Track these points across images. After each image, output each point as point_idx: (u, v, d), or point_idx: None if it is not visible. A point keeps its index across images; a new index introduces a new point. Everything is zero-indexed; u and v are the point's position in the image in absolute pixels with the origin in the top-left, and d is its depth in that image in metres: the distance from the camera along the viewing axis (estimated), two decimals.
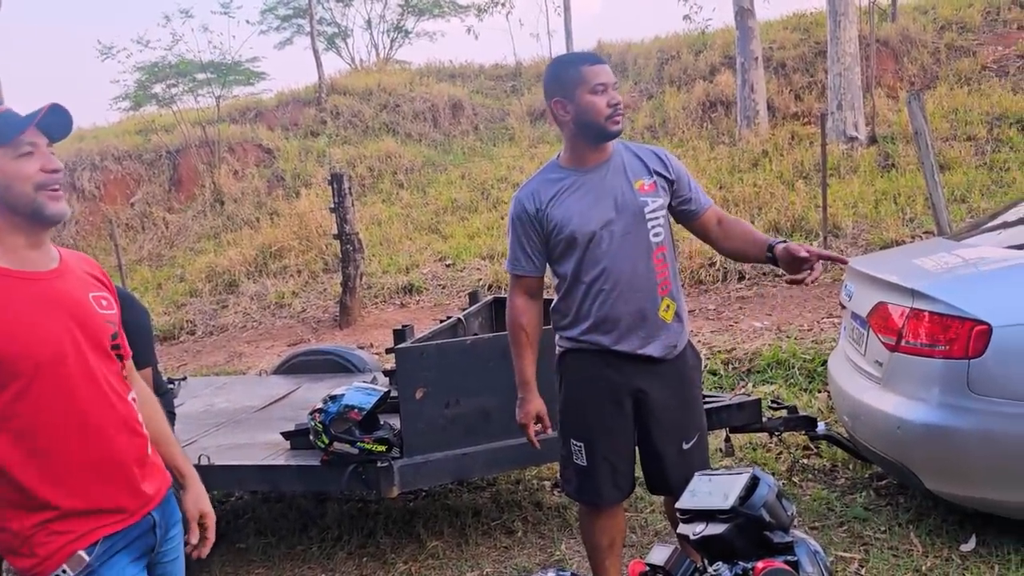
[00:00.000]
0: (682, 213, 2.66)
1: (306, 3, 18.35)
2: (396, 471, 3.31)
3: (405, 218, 11.86)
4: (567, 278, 2.56)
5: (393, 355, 3.69)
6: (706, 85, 13.55)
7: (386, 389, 3.59)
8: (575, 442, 2.63)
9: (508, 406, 2.74)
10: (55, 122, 1.71)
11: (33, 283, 1.68)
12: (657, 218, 2.53)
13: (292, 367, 5.40)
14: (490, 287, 8.64)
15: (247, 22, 23.24)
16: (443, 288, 9.34)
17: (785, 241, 2.53)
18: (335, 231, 8.68)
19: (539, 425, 2.66)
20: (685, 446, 2.62)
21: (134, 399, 1.85)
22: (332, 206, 8.56)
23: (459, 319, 4.33)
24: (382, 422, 3.46)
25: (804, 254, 2.39)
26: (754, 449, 4.35)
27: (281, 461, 3.62)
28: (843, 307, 3.87)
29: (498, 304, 4.59)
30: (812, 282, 2.40)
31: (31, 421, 1.64)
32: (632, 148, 2.63)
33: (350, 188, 8.38)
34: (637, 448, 2.67)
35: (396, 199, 12.76)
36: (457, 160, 14.10)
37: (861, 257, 4.79)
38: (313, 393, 4.63)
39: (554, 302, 2.67)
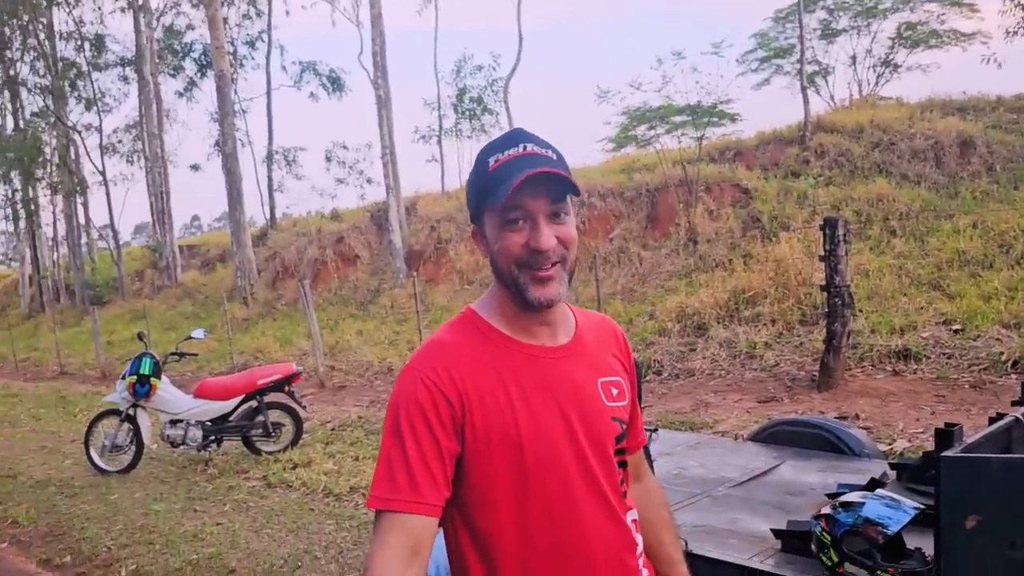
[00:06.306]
0: None
1: (788, 43, 17.67)
2: None
3: (898, 270, 10.41)
4: None
5: (931, 462, 2.85)
6: None
7: (918, 505, 2.76)
8: None
9: None
10: (552, 184, 1.31)
11: (534, 359, 1.35)
12: None
13: (772, 436, 4.79)
14: (1015, 364, 6.98)
15: (736, 61, 23.35)
16: (948, 358, 7.81)
17: None
18: (822, 281, 7.81)
19: None
20: None
21: (634, 521, 1.43)
22: (822, 254, 7.71)
23: (1016, 419, 3.26)
24: (911, 548, 2.66)
25: None
26: None
27: (770, 565, 3.00)
28: None
29: None
30: None
31: (505, 536, 1.31)
32: None
33: (844, 235, 7.45)
34: None
35: (887, 248, 11.32)
36: (965, 206, 12.07)
37: None
38: (799, 473, 3.98)
39: None
